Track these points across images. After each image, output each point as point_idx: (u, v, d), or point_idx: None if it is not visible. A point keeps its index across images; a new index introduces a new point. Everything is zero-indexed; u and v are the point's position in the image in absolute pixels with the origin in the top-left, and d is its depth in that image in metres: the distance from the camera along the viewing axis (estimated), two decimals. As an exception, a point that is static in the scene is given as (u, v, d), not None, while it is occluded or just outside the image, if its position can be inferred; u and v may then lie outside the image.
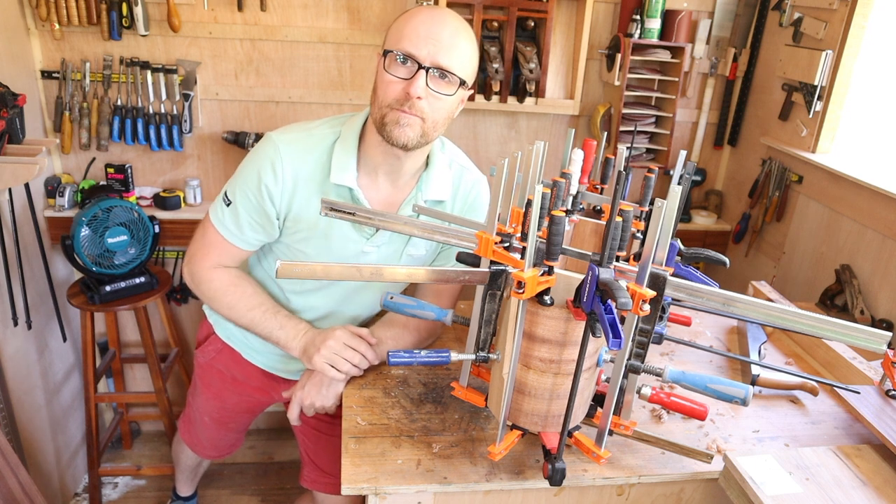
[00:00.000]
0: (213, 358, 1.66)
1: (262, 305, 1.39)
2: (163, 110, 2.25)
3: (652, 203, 1.06)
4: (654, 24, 2.28)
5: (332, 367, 1.30)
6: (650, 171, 1.27)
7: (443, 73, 1.20)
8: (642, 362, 1.10)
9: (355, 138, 1.32)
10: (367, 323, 1.55)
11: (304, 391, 1.36)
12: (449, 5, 2.17)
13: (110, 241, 2.06)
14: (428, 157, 1.40)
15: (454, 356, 1.12)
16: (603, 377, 1.20)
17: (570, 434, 1.09)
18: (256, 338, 1.48)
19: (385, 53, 1.22)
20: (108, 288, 2.08)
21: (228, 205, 1.35)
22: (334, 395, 1.34)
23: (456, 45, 1.20)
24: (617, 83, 2.31)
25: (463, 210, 1.46)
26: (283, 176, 1.30)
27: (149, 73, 2.19)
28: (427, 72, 1.19)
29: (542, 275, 0.98)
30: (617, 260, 1.07)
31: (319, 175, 1.32)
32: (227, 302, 1.39)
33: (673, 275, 1.02)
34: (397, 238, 1.42)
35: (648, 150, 2.49)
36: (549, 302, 0.99)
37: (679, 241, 1.21)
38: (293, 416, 1.38)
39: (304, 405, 1.36)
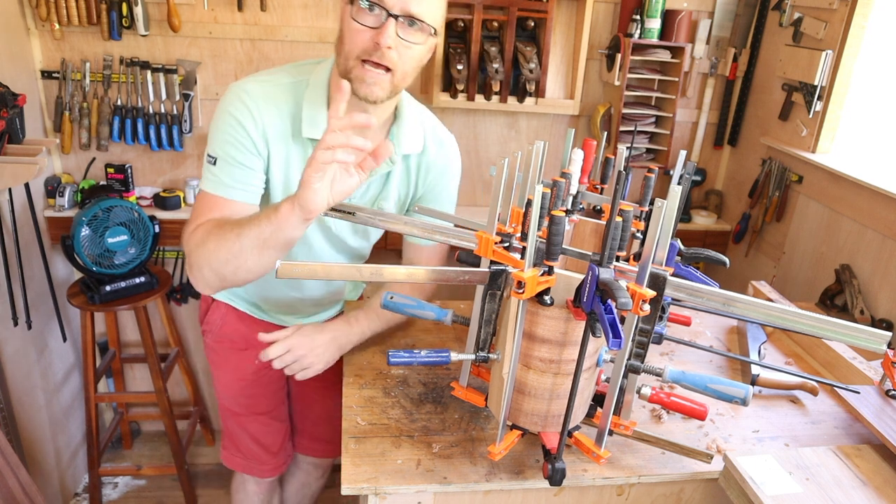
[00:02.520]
0: (221, 327, 1.60)
1: (242, 219, 1.18)
2: (163, 110, 2.25)
3: (652, 203, 1.06)
4: (654, 24, 2.28)
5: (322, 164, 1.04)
6: (650, 171, 1.27)
7: (412, 20, 1.13)
8: (642, 362, 1.10)
9: (324, 90, 1.26)
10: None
11: (294, 339, 1.30)
12: (449, 6, 2.17)
13: (110, 240, 2.06)
14: (396, 108, 1.35)
15: (454, 356, 1.12)
16: (603, 377, 1.20)
17: (570, 434, 1.09)
18: (258, 291, 1.47)
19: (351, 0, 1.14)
20: (108, 288, 2.08)
21: (214, 163, 1.23)
22: (323, 352, 1.30)
23: None
24: (617, 83, 2.31)
25: (432, 166, 1.42)
26: (259, 117, 1.22)
27: (149, 73, 2.19)
28: (396, 20, 1.12)
29: (542, 275, 0.98)
30: (617, 260, 1.07)
31: (290, 127, 1.25)
32: (213, 243, 1.16)
33: (673, 275, 1.02)
34: (370, 193, 1.37)
35: (648, 150, 2.49)
36: (549, 302, 0.99)
37: (679, 241, 1.21)
38: (270, 353, 1.30)
39: (288, 359, 1.30)
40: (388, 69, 1.16)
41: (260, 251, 1.12)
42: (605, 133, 2.06)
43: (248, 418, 1.67)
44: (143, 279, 2.15)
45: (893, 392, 1.30)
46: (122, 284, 2.11)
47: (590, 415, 1.15)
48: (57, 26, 2.08)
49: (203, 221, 1.22)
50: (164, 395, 2.24)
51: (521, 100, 2.30)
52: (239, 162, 1.23)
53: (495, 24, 2.24)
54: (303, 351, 1.32)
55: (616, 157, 1.44)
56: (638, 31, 2.28)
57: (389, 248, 2.46)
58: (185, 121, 2.26)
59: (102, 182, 2.30)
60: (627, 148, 1.42)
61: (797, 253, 2.25)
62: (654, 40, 2.30)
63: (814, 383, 1.38)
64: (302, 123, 1.25)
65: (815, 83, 2.09)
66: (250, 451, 1.70)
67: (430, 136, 1.43)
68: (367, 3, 1.12)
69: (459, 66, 2.21)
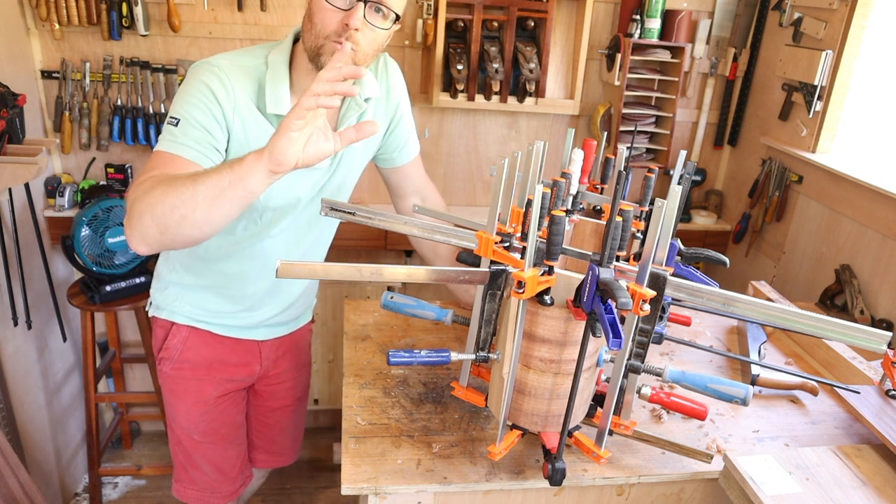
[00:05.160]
0: (182, 352, 1.51)
1: (198, 171, 1.12)
2: (163, 110, 2.25)
3: (652, 203, 1.06)
4: (654, 24, 2.28)
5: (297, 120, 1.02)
6: (650, 171, 1.27)
7: (379, 6, 1.19)
8: (642, 362, 1.10)
9: (286, 68, 1.28)
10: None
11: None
12: (449, 5, 2.17)
13: (110, 240, 2.06)
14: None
15: (454, 356, 1.12)
16: (603, 377, 1.20)
17: (570, 434, 1.09)
18: (221, 301, 1.43)
19: None
20: (108, 288, 2.08)
21: (177, 124, 1.18)
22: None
23: None
24: (617, 83, 2.32)
25: (390, 91, 1.45)
26: (231, 89, 1.22)
27: (149, 73, 2.19)
28: (366, 4, 1.18)
29: (543, 275, 0.98)
30: (617, 260, 1.07)
31: (254, 103, 1.27)
32: (161, 189, 1.06)
33: (673, 275, 1.02)
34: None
35: (648, 150, 2.49)
36: (549, 302, 0.99)
37: (679, 241, 1.21)
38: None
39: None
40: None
41: (213, 202, 1.04)
42: (605, 133, 2.06)
43: (207, 446, 1.59)
44: (143, 279, 2.15)
45: (893, 392, 1.30)
46: (122, 284, 2.11)
47: (590, 415, 1.15)
48: (57, 26, 2.08)
49: (155, 174, 1.13)
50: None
51: (521, 100, 2.30)
52: (202, 125, 1.19)
53: (495, 24, 2.24)
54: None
55: (616, 157, 1.44)
56: (638, 31, 2.28)
57: (389, 249, 2.46)
58: (185, 121, 2.26)
59: (102, 182, 2.30)
60: (627, 148, 1.42)
61: (797, 253, 2.25)
62: (654, 40, 2.30)
63: (814, 383, 1.38)
64: (266, 100, 1.26)
65: (815, 83, 2.09)
66: (206, 480, 1.62)
67: (381, 74, 1.46)
68: None
69: (459, 66, 2.21)
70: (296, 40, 1.31)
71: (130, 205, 1.10)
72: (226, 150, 1.25)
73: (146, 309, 1.59)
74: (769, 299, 1.67)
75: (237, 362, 1.55)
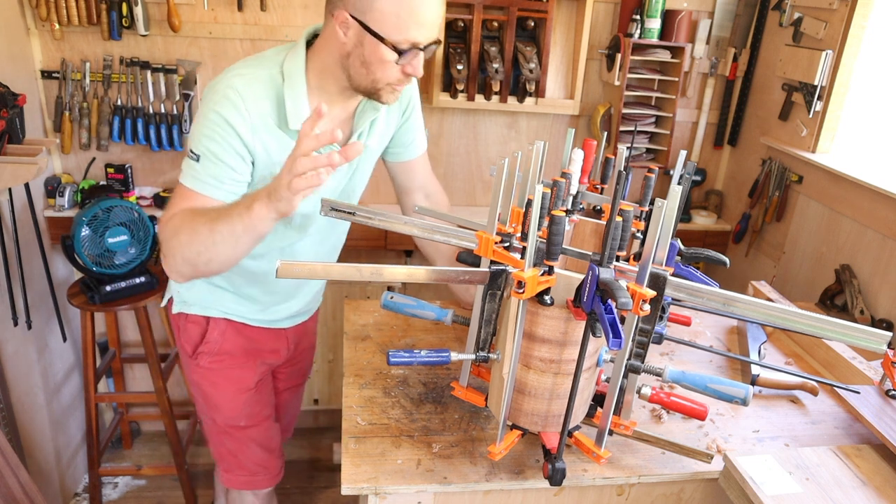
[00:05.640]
0: (221, 344, 1.55)
1: (213, 211, 1.19)
2: (163, 110, 2.25)
3: (652, 203, 1.06)
4: (654, 24, 2.28)
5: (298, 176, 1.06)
6: (650, 171, 1.27)
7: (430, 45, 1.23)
8: (642, 362, 1.10)
9: (302, 78, 1.27)
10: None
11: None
12: (449, 6, 2.17)
13: (110, 240, 2.06)
14: None
15: (454, 356, 1.12)
16: (603, 377, 1.20)
17: (570, 434, 1.09)
18: (255, 295, 1.49)
19: (378, 37, 1.16)
20: (108, 288, 2.08)
21: (197, 159, 1.22)
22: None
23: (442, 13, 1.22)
24: (617, 83, 2.31)
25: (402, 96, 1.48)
26: (247, 112, 1.22)
27: (149, 73, 2.19)
28: (425, 49, 1.21)
29: (543, 275, 0.98)
30: (617, 260, 1.07)
31: (275, 119, 1.27)
32: (186, 235, 1.17)
33: (673, 275, 1.02)
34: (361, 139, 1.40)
35: (648, 150, 2.49)
36: (549, 302, 0.99)
37: (679, 241, 1.21)
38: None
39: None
40: None
41: (232, 245, 1.15)
42: (605, 133, 2.06)
43: (254, 429, 1.66)
44: (143, 279, 2.15)
45: (893, 392, 1.30)
46: (122, 284, 2.11)
47: (590, 415, 1.15)
48: (57, 26, 2.08)
49: (177, 211, 1.21)
50: (164, 395, 2.24)
51: (521, 100, 2.30)
52: (222, 160, 1.22)
53: (495, 24, 2.24)
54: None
55: (616, 157, 1.44)
56: (638, 31, 2.28)
57: (389, 249, 2.46)
58: (185, 121, 2.26)
59: (102, 182, 2.30)
60: (627, 148, 1.42)
61: (797, 253, 2.25)
62: (654, 40, 2.30)
63: (814, 383, 1.38)
64: (287, 117, 1.26)
65: (815, 83, 2.09)
66: (256, 462, 1.68)
67: None
68: (418, 50, 1.20)
69: (459, 66, 2.21)
70: (308, 43, 1.29)
71: (162, 242, 1.22)
72: (251, 173, 1.28)
73: (162, 307, 1.63)
74: (769, 299, 1.67)
75: (270, 349, 1.63)
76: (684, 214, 2.60)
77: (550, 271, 0.98)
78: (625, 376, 1.09)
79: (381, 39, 1.17)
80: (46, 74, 2.17)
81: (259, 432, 1.68)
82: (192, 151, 1.23)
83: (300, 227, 1.44)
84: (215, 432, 1.66)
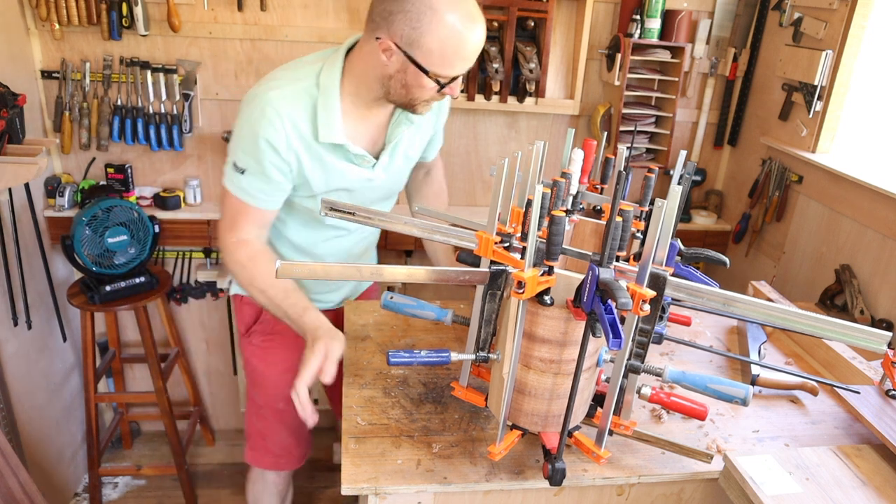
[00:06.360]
0: (275, 324, 1.65)
1: (275, 286, 1.38)
2: (163, 110, 2.25)
3: (652, 203, 1.06)
4: (654, 23, 2.28)
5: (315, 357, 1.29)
6: (650, 171, 1.27)
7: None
8: (642, 362, 1.10)
9: (337, 93, 1.32)
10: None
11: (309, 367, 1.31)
12: (449, 5, 2.17)
13: (110, 240, 2.06)
14: None
15: (454, 356, 1.12)
16: (603, 377, 1.20)
17: (570, 434, 1.09)
18: (311, 285, 1.61)
19: (423, 69, 1.23)
20: (108, 288, 2.08)
21: (243, 172, 1.34)
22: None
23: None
24: (617, 83, 2.31)
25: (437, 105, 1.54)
26: (282, 129, 1.29)
27: (149, 73, 2.19)
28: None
29: (542, 275, 0.98)
30: (617, 260, 1.07)
31: (309, 131, 1.32)
32: (247, 276, 1.39)
33: (673, 275, 1.02)
34: (396, 153, 1.48)
35: (648, 150, 2.49)
36: (549, 302, 0.99)
37: (679, 241, 1.21)
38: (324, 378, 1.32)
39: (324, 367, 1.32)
40: None
41: (280, 318, 1.40)
42: (605, 133, 2.06)
43: (288, 413, 1.69)
44: (143, 279, 2.15)
45: (893, 392, 1.30)
46: (122, 284, 2.11)
47: (590, 415, 1.15)
48: (57, 26, 2.08)
49: (241, 238, 1.39)
50: (164, 395, 2.24)
51: (521, 100, 2.30)
52: (267, 175, 1.33)
53: (495, 24, 2.24)
54: (318, 360, 1.31)
55: (616, 157, 1.44)
56: (638, 31, 2.28)
57: (389, 249, 2.46)
58: (185, 121, 2.26)
59: (102, 182, 2.30)
60: (627, 148, 1.42)
61: (797, 253, 2.25)
62: (654, 40, 2.30)
63: (814, 383, 1.38)
64: (318, 130, 1.32)
65: (815, 83, 2.09)
66: (283, 445, 1.77)
67: None
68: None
69: (459, 66, 2.21)
70: (347, 51, 1.35)
71: (226, 264, 1.43)
72: (295, 175, 1.38)
73: (221, 289, 1.76)
74: (769, 299, 1.67)
75: None
76: (684, 214, 2.60)
77: (550, 271, 0.98)
78: (625, 376, 1.09)
79: (426, 72, 1.24)
80: (46, 74, 2.17)
81: (294, 417, 1.69)
82: (235, 164, 1.34)
83: (345, 226, 1.55)
84: (253, 411, 1.76)
